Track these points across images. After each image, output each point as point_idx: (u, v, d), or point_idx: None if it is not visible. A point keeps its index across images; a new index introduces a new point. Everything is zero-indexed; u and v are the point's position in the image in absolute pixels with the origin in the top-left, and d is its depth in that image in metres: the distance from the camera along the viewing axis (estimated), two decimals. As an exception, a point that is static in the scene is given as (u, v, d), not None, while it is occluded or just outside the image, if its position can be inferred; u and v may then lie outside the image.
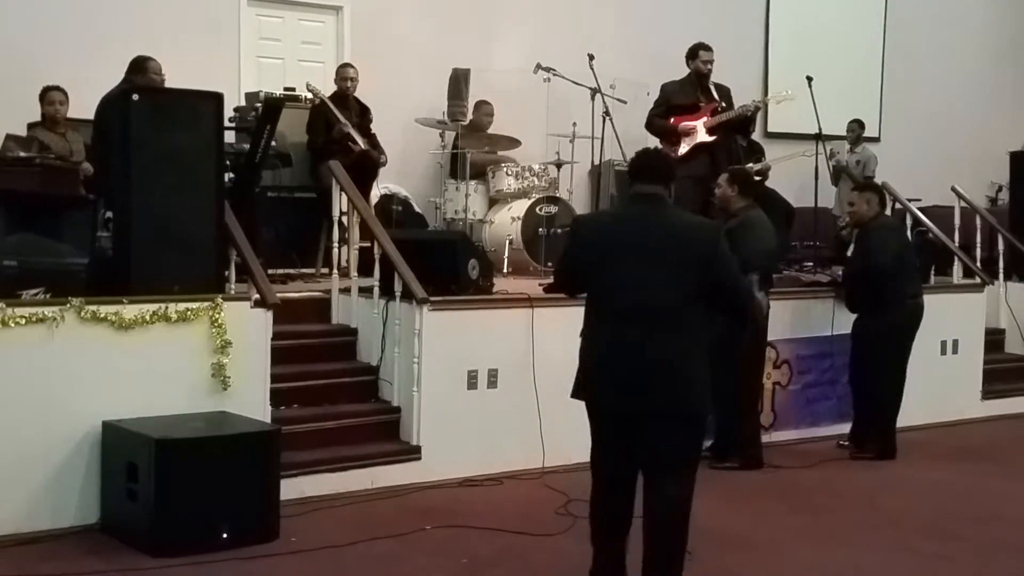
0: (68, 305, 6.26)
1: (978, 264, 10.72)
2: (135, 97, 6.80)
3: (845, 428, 9.02)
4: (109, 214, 6.87)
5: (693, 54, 9.67)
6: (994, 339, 10.77)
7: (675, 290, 4.93)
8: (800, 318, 9.14)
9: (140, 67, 8.29)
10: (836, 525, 6.87)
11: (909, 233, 10.10)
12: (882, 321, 8.54)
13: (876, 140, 14.09)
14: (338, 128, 9.70)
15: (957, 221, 10.95)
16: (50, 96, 8.44)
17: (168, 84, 8.27)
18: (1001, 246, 10.95)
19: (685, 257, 4.97)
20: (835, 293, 9.31)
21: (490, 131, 11.16)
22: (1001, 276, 10.86)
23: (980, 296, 10.46)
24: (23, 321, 6.12)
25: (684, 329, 4.96)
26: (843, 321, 9.15)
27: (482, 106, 11.27)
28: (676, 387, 4.96)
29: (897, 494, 7.68)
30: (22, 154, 7.70)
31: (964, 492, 7.80)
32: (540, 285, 8.65)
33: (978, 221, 10.98)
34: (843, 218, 9.17)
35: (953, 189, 11.08)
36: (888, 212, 9.22)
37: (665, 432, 4.96)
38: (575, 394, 5.23)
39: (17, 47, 9.66)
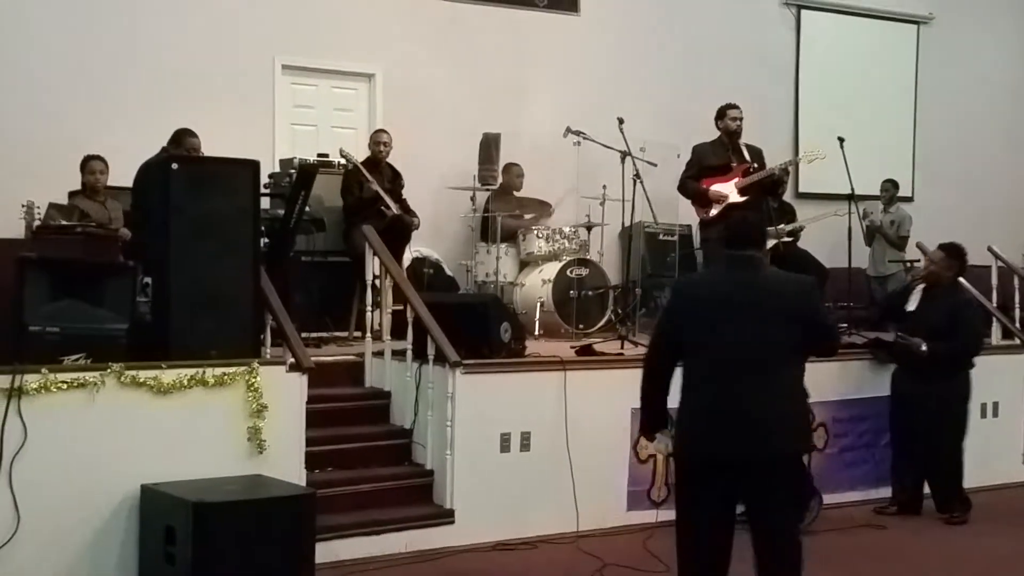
0: (108, 370, 6.35)
1: (1017, 325, 10.63)
2: (174, 166, 6.92)
3: (883, 492, 8.96)
4: (148, 280, 6.95)
5: (721, 114, 9.73)
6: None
7: (779, 343, 5.17)
8: (835, 380, 9.07)
9: (179, 141, 8.49)
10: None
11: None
12: (961, 385, 8.62)
13: (910, 200, 14.06)
14: (367, 187, 9.79)
15: (995, 281, 10.82)
16: (91, 165, 8.61)
17: (205, 151, 8.42)
18: (1037, 307, 10.87)
19: (787, 312, 5.21)
20: (872, 355, 9.26)
21: (520, 194, 11.23)
22: (1042, 338, 10.77)
23: (1020, 358, 10.33)
24: (64, 386, 6.21)
25: (784, 378, 5.20)
26: (878, 384, 9.11)
27: (512, 168, 11.36)
28: (780, 435, 5.15)
29: (943, 559, 7.62)
30: (64, 222, 7.82)
31: (1011, 556, 7.69)
32: (572, 348, 8.69)
33: (1016, 281, 10.89)
34: (914, 272, 9.02)
35: (990, 249, 11.01)
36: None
37: (777, 474, 5.14)
38: (679, 448, 5.29)
39: (58, 117, 9.87)
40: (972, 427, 9.00)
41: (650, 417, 5.47)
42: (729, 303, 5.19)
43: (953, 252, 8.75)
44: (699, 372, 5.21)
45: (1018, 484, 9.88)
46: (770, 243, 10.31)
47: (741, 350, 5.10)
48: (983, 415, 9.72)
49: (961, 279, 9.05)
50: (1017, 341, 10.45)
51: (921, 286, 8.81)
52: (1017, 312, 10.77)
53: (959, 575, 7.22)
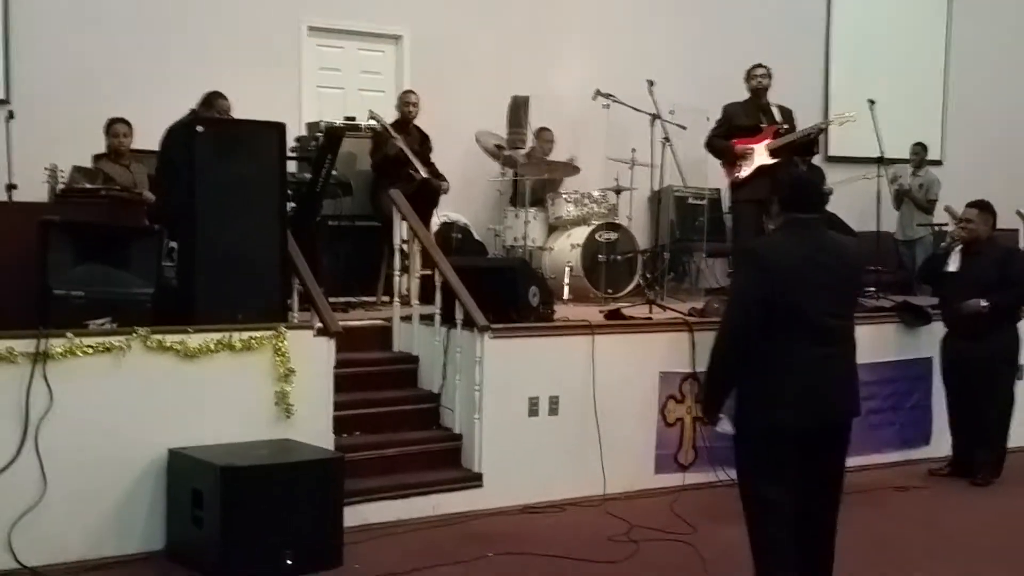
0: (134, 335, 6.35)
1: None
2: (199, 128, 6.89)
3: (909, 454, 8.93)
4: (173, 244, 6.95)
5: (748, 75, 9.66)
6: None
7: (850, 306, 5.35)
8: (863, 343, 8.94)
9: (210, 103, 8.46)
10: (900, 552, 6.76)
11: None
12: (1010, 344, 8.63)
13: (939, 163, 13.95)
14: (392, 143, 9.71)
15: (1022, 244, 10.78)
16: (115, 128, 8.58)
17: (233, 114, 8.38)
18: (1068, 270, 10.76)
19: (851, 275, 5.36)
20: (899, 318, 9.21)
21: (549, 158, 11.18)
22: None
23: (1053, 319, 10.26)
24: (90, 351, 6.21)
25: (853, 341, 5.30)
26: (905, 347, 9.06)
27: (543, 132, 11.31)
28: (857, 396, 5.31)
29: (964, 522, 7.58)
30: (88, 185, 7.81)
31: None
32: (600, 312, 8.66)
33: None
34: (956, 232, 8.95)
35: (1018, 212, 10.92)
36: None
37: (843, 442, 5.30)
38: (767, 422, 5.09)
39: (82, 80, 9.85)
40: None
41: (719, 397, 5.22)
42: (813, 268, 5.08)
43: (987, 208, 8.69)
44: (790, 341, 5.02)
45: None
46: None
47: (827, 316, 5.08)
48: (1020, 377, 9.61)
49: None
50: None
51: (959, 247, 8.72)
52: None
53: (981, 538, 7.16)
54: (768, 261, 5.13)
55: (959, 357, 8.65)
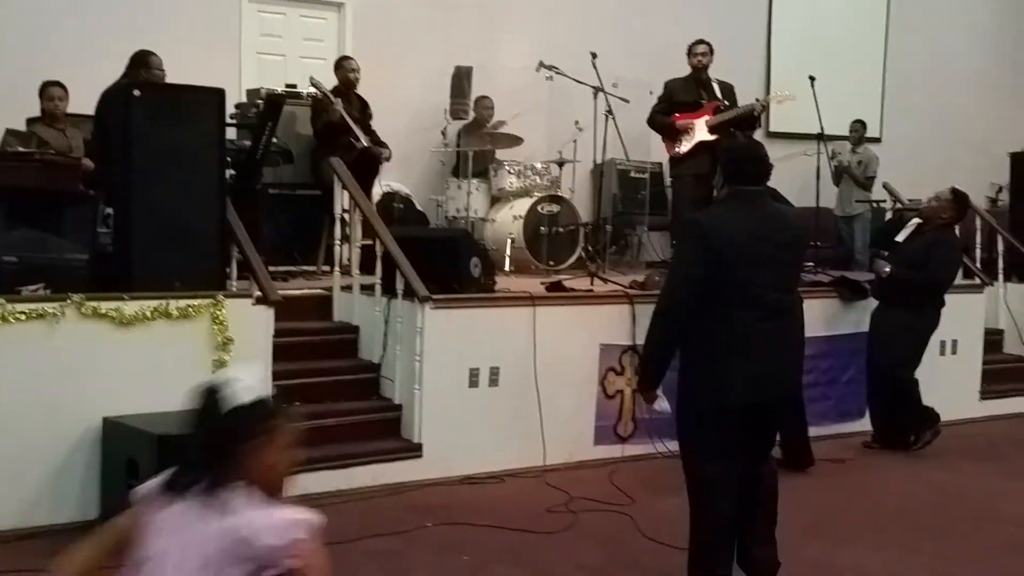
0: (68, 301, 6.25)
1: (978, 265, 10.71)
2: (136, 93, 6.79)
3: (844, 427, 9.04)
4: (109, 210, 6.85)
5: (688, 50, 9.70)
6: (993, 339, 10.74)
7: (795, 279, 5.28)
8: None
9: (141, 62, 8.26)
10: (838, 523, 6.85)
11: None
12: (918, 319, 8.66)
13: (878, 140, 14.08)
14: (334, 109, 9.57)
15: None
16: (49, 92, 8.40)
17: (169, 80, 8.24)
18: (1001, 247, 10.92)
19: (795, 247, 5.27)
20: (837, 293, 9.30)
21: (492, 129, 11.14)
22: (1001, 277, 10.84)
23: (979, 297, 10.45)
24: (23, 317, 6.12)
25: (801, 318, 5.30)
26: (841, 322, 9.16)
27: (482, 100, 11.27)
28: (798, 371, 5.35)
29: (897, 494, 7.66)
30: (21, 149, 7.66)
31: (963, 491, 7.79)
32: (542, 284, 8.65)
33: (978, 222, 10.95)
34: (918, 201, 9.07)
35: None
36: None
37: (784, 414, 5.49)
38: (714, 399, 5.01)
39: (17, 43, 9.66)
40: (931, 364, 9.05)
41: (656, 373, 5.14)
42: (757, 241, 4.98)
43: (956, 196, 8.77)
44: (735, 316, 4.94)
45: (976, 420, 9.98)
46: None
47: (772, 289, 5.02)
48: (942, 352, 9.80)
49: (955, 227, 9.10)
50: (977, 281, 10.53)
51: (916, 221, 8.81)
52: (978, 252, 10.85)
53: (917, 509, 7.27)
54: (710, 234, 5.01)
55: (876, 326, 8.84)
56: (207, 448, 2.97)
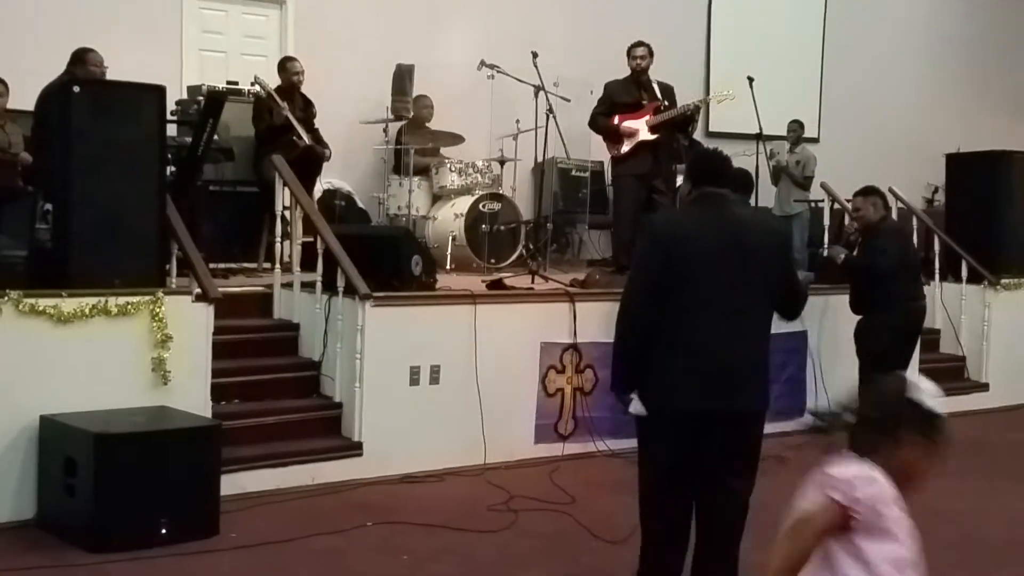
0: (6, 298, 6.21)
1: (917, 265, 10.83)
2: (76, 89, 6.74)
3: (783, 426, 9.06)
4: (48, 206, 6.79)
5: (628, 52, 9.75)
6: (929, 339, 10.80)
7: (756, 291, 4.95)
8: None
9: (81, 58, 8.23)
10: (777, 523, 6.89)
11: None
12: (881, 322, 8.60)
13: (815, 140, 14.22)
14: (278, 112, 9.60)
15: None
16: (-12, 87, 8.33)
17: (110, 77, 8.21)
18: (937, 247, 11.06)
19: (763, 256, 4.98)
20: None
21: (433, 127, 11.16)
22: (936, 277, 10.97)
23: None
24: (-40, 313, 6.07)
25: (765, 327, 5.04)
26: (779, 321, 9.22)
27: (420, 99, 11.27)
28: (758, 386, 5.01)
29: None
30: (-41, 145, 7.59)
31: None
32: (483, 282, 8.68)
33: (914, 222, 11.09)
34: (851, 224, 9.22)
35: (890, 190, 11.14)
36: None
37: (745, 430, 5.00)
38: (662, 401, 4.93)
39: (-46, 37, 9.54)
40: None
41: (623, 374, 5.06)
42: (714, 245, 4.89)
43: (871, 191, 8.80)
44: (684, 319, 4.86)
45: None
46: (680, 180, 10.39)
47: (727, 297, 4.85)
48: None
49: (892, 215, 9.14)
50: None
51: (858, 237, 8.94)
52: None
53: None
54: (663, 235, 5.03)
55: (855, 332, 8.76)
56: (875, 421, 3.27)
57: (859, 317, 8.68)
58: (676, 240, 4.94)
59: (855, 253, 8.99)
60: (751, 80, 10.48)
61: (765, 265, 4.96)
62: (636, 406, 5.00)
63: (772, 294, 5.02)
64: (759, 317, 5.01)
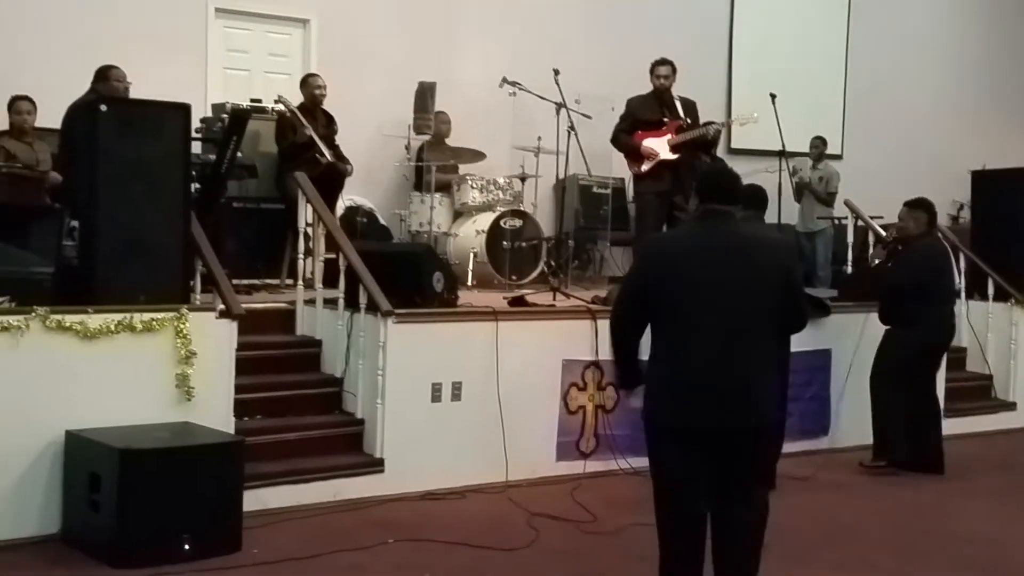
0: (33, 314, 6.25)
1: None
2: (103, 107, 6.79)
3: (808, 445, 9.11)
4: (75, 223, 6.85)
5: (651, 69, 9.73)
6: (956, 357, 10.70)
7: (756, 306, 4.96)
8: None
9: (104, 75, 8.32)
10: (796, 542, 6.88)
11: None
12: (900, 337, 8.62)
13: (839, 157, 14.22)
14: (302, 131, 9.67)
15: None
16: (18, 106, 8.42)
17: (135, 95, 8.28)
18: (963, 264, 10.97)
19: (760, 272, 4.99)
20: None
21: (454, 144, 11.19)
22: (963, 295, 10.87)
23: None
24: (-12, 330, 6.11)
25: (763, 344, 5.00)
26: (803, 338, 9.15)
27: (439, 115, 11.33)
28: (762, 402, 5.00)
29: (858, 512, 7.71)
30: (-11, 163, 7.68)
31: (925, 510, 7.85)
32: (504, 299, 8.70)
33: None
34: (890, 232, 9.25)
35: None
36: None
37: (751, 447, 5.02)
38: (652, 416, 5.05)
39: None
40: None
41: (625, 372, 5.26)
42: (710, 262, 4.92)
43: (918, 205, 8.80)
44: (674, 335, 4.94)
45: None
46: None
47: (721, 313, 4.87)
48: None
49: (936, 231, 9.14)
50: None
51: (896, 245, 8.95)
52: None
53: (877, 527, 7.33)
54: (653, 252, 5.19)
55: (879, 344, 8.85)
56: None
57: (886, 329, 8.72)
58: (668, 255, 5.06)
59: (889, 263, 9.00)
60: (773, 97, 10.48)
61: (766, 283, 4.98)
62: (635, 400, 5.15)
63: (774, 311, 5.02)
64: (759, 334, 4.97)
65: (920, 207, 8.75)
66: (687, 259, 4.98)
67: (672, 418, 4.95)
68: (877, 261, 8.94)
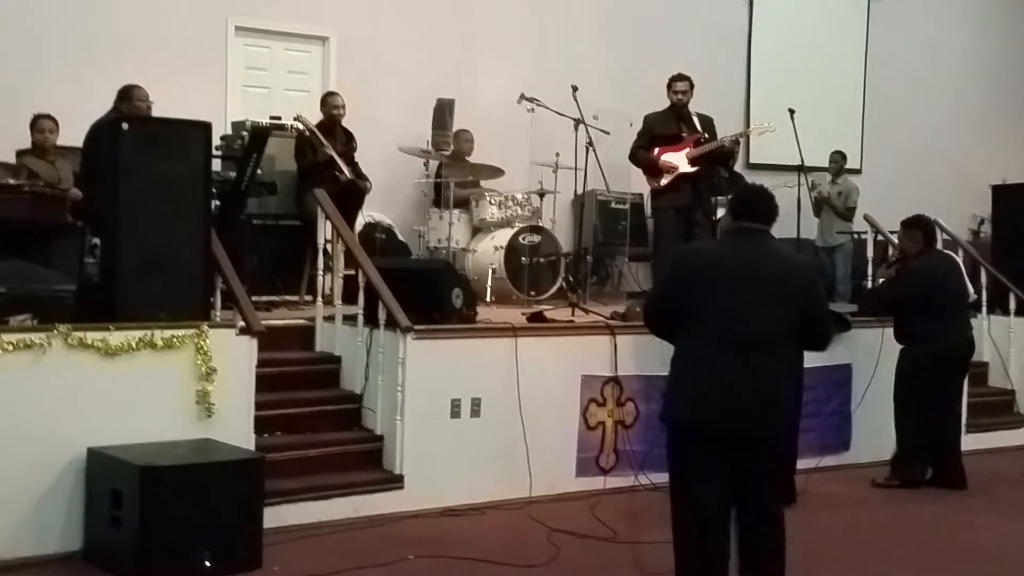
0: (55, 331, 6.28)
1: (961, 298, 10.74)
2: (125, 126, 6.84)
3: (829, 460, 9.09)
4: (96, 241, 6.89)
5: (668, 84, 9.74)
6: (978, 372, 10.68)
7: (776, 321, 5.13)
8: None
9: (126, 95, 8.37)
10: (819, 558, 6.86)
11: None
12: (909, 355, 8.64)
13: (858, 172, 14.18)
14: (322, 151, 9.72)
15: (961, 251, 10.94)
16: (40, 124, 8.47)
17: (156, 113, 8.33)
18: (984, 279, 10.93)
19: (787, 290, 5.18)
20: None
21: (473, 160, 11.22)
22: (984, 309, 10.86)
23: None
24: (10, 347, 6.14)
25: (781, 357, 5.18)
26: (823, 354, 9.18)
27: (461, 133, 11.34)
28: (775, 412, 5.18)
29: (881, 527, 7.69)
30: (11, 181, 7.71)
31: (947, 525, 7.82)
32: (523, 315, 8.71)
33: (960, 254, 11.00)
34: (894, 252, 9.34)
35: (935, 222, 11.11)
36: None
37: (763, 455, 5.18)
38: (671, 416, 5.25)
39: (7, 75, 9.70)
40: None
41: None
42: (736, 277, 5.13)
43: (913, 223, 8.86)
44: (698, 344, 5.14)
45: (962, 453, 9.95)
46: (720, 213, 10.39)
47: (744, 326, 5.05)
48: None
49: (936, 247, 9.20)
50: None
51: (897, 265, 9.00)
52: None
53: (897, 543, 7.32)
54: (679, 263, 5.39)
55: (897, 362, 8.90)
56: None
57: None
58: (695, 268, 5.27)
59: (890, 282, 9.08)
60: (792, 112, 10.48)
61: (792, 301, 5.16)
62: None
63: (798, 327, 5.20)
64: (782, 348, 5.19)
65: (915, 226, 8.85)
66: (715, 271, 5.19)
67: (691, 418, 5.13)
68: (881, 280, 8.98)
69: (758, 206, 5.31)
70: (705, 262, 5.31)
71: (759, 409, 5.08)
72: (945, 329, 8.68)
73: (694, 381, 5.14)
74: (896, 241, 10.70)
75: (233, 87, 11.00)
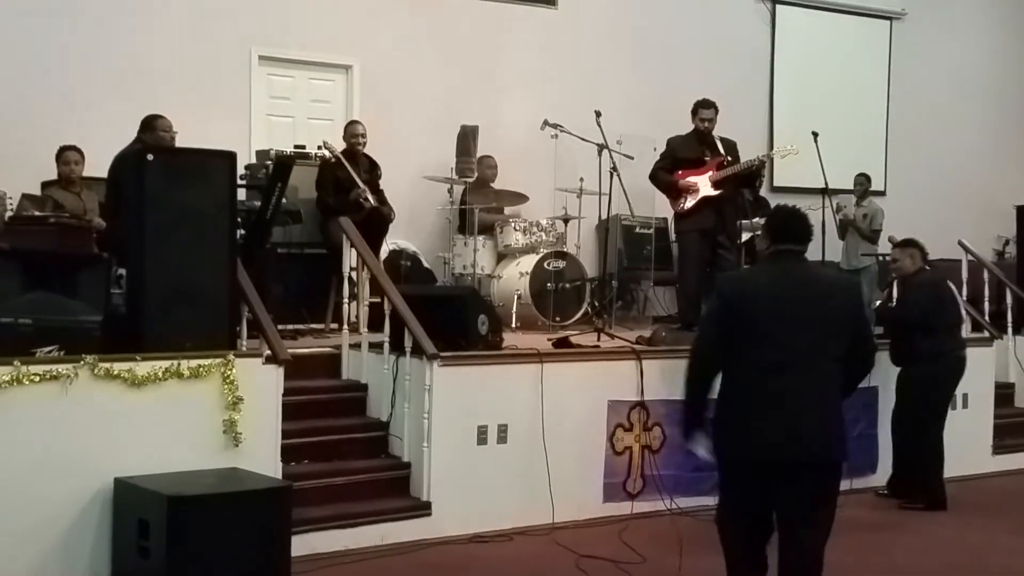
0: (82, 362, 6.31)
1: (986, 318, 10.70)
2: (150, 157, 6.88)
3: (857, 482, 8.99)
4: (122, 271, 6.92)
5: (694, 111, 9.72)
6: (1004, 393, 10.68)
7: (829, 346, 5.13)
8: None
9: (150, 125, 8.43)
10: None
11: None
12: (918, 373, 8.65)
13: (882, 194, 14.13)
14: (355, 193, 9.74)
15: (964, 275, 10.85)
16: (66, 156, 8.55)
17: (181, 143, 8.39)
18: (1009, 300, 10.91)
19: (832, 312, 5.17)
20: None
21: (497, 187, 11.24)
22: (1010, 330, 10.82)
23: (989, 350, 10.43)
24: (37, 379, 6.17)
25: (831, 381, 5.17)
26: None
27: (485, 160, 11.37)
28: (827, 437, 5.15)
29: (909, 549, 7.65)
30: (37, 213, 7.77)
31: (975, 547, 7.77)
32: (549, 340, 8.70)
33: (985, 275, 10.96)
34: (891, 274, 9.41)
35: (960, 243, 11.08)
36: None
37: (817, 481, 5.15)
38: (721, 449, 5.21)
39: (33, 108, 9.79)
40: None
41: (690, 415, 5.35)
42: (784, 302, 5.12)
43: (908, 243, 8.98)
44: (749, 372, 5.11)
45: (988, 475, 9.94)
46: (745, 236, 10.38)
47: (795, 352, 5.04)
48: (953, 407, 9.69)
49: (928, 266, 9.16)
50: (986, 334, 10.50)
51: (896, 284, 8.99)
52: (986, 305, 10.84)
53: (917, 566, 7.27)
54: (726, 290, 5.30)
55: (896, 383, 8.96)
56: None
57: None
58: (744, 296, 5.20)
59: (893, 304, 9.09)
60: (815, 135, 10.47)
61: (836, 322, 5.15)
62: (699, 449, 5.27)
63: (843, 350, 5.17)
64: (829, 372, 5.16)
65: (911, 244, 8.97)
66: (763, 299, 5.16)
67: (747, 452, 5.11)
68: (878, 302, 9.00)
69: (795, 227, 5.32)
70: (752, 290, 5.26)
71: (819, 435, 5.09)
72: (949, 345, 8.80)
73: (747, 413, 5.10)
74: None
75: (257, 116, 11.05)
